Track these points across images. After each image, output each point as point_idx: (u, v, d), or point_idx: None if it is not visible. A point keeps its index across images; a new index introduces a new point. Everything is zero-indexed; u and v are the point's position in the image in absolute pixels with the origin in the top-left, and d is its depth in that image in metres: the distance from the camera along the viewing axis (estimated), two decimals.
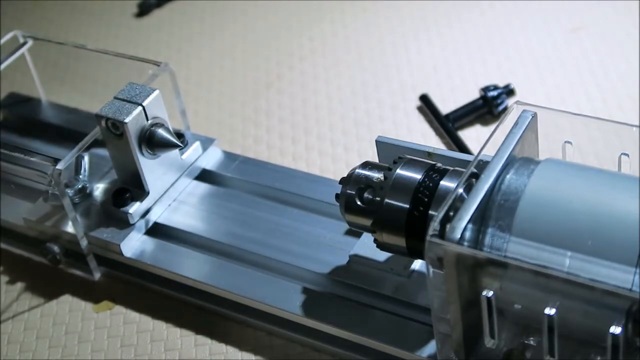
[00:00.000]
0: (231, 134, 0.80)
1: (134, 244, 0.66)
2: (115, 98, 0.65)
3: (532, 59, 0.82)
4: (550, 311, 0.47)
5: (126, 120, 0.63)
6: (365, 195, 0.58)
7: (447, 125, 0.76)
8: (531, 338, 0.52)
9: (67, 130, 0.77)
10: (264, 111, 0.82)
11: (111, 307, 0.67)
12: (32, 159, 0.66)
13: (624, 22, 0.84)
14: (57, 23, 0.98)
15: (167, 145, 0.66)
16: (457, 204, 0.50)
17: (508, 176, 0.51)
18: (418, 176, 0.56)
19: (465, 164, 0.57)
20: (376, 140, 0.61)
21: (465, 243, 0.49)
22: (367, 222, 0.57)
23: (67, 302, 0.68)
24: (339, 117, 0.80)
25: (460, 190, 0.51)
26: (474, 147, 0.74)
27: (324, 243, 0.64)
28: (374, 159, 0.61)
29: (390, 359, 0.58)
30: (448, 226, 0.49)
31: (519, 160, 0.53)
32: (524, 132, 0.53)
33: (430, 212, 0.55)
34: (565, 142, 0.55)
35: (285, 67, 0.87)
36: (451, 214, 0.50)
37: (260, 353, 0.62)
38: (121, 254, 0.66)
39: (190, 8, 0.97)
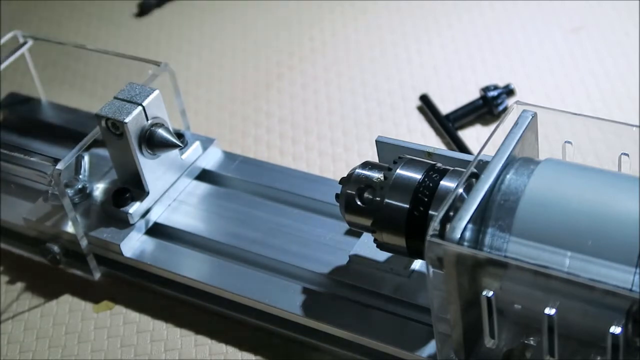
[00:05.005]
0: (231, 134, 0.80)
1: (134, 244, 0.66)
2: (115, 98, 0.65)
3: (532, 59, 0.82)
4: (550, 311, 0.47)
5: (126, 120, 0.63)
6: (365, 195, 0.58)
7: (447, 125, 0.76)
8: (531, 338, 0.52)
9: (67, 130, 0.77)
10: (264, 111, 0.82)
11: (111, 307, 0.67)
12: (32, 159, 0.65)
13: (624, 22, 0.84)
14: (57, 23, 0.98)
15: (167, 145, 0.66)
16: (457, 204, 0.50)
17: (508, 176, 0.51)
18: (418, 176, 0.56)
19: (465, 164, 0.57)
20: (376, 140, 0.61)
21: (465, 243, 0.49)
22: (367, 222, 0.57)
23: (67, 302, 0.68)
24: (339, 117, 0.80)
25: (460, 190, 0.51)
26: (474, 147, 0.74)
27: (324, 243, 0.64)
28: (374, 159, 0.61)
29: (390, 359, 0.58)
30: (448, 226, 0.49)
31: (519, 160, 0.53)
32: (524, 132, 0.53)
33: (430, 212, 0.55)
34: (565, 142, 0.55)
35: (285, 67, 0.87)
36: (451, 214, 0.50)
37: (260, 353, 0.62)
38: (121, 254, 0.66)
39: (190, 8, 0.97)
